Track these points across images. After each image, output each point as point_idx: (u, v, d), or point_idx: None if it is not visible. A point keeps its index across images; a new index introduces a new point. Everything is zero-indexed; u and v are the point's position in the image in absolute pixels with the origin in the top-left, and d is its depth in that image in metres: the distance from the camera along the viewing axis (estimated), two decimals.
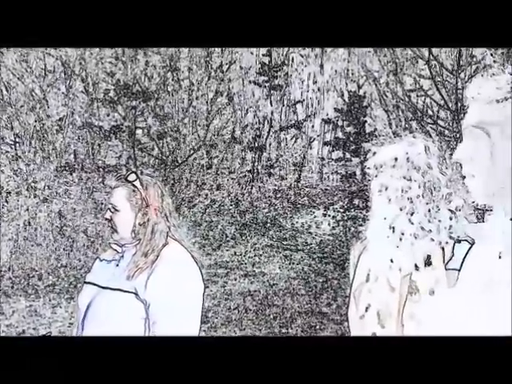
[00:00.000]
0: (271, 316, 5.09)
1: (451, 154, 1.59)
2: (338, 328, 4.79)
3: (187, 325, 1.86)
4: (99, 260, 2.03)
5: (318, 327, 4.87)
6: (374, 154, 1.82)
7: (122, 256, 1.96)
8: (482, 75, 1.44)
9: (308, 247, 7.10)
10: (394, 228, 1.76)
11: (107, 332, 1.83)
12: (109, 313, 1.88)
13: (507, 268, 1.38)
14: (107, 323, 1.86)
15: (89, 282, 1.99)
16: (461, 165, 1.47)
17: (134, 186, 1.96)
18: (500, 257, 1.39)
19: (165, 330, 1.82)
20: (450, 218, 1.75)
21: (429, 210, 1.75)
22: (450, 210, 1.76)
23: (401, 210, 1.76)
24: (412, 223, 1.74)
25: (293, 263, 6.50)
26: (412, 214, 1.75)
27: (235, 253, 6.75)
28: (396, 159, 1.79)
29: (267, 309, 5.21)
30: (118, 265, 1.95)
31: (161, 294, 1.85)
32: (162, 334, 1.83)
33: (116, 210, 1.97)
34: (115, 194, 1.99)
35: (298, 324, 4.94)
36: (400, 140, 1.83)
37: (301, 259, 6.60)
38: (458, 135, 6.11)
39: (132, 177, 1.97)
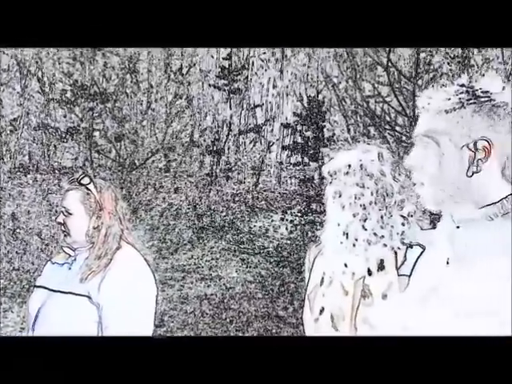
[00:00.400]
0: (227, 320, 5.08)
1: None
2: (294, 331, 4.83)
3: (140, 329, 1.85)
4: (51, 263, 2.00)
5: (274, 331, 4.89)
6: (330, 160, 1.85)
7: (75, 259, 1.94)
8: (433, 86, 1.48)
9: (265, 251, 7.13)
10: (347, 234, 1.79)
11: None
12: (60, 316, 1.86)
13: (454, 274, 1.42)
14: (59, 327, 1.84)
15: (39, 286, 1.96)
16: (411, 172, 1.51)
17: (87, 189, 1.94)
18: (448, 263, 1.43)
19: (117, 334, 1.81)
20: (403, 224, 1.79)
21: (381, 217, 1.79)
22: (402, 216, 1.80)
23: (354, 216, 1.79)
24: (365, 229, 1.78)
25: (250, 267, 6.52)
26: (365, 220, 1.79)
27: (192, 256, 6.72)
28: (349, 166, 1.82)
29: (224, 312, 5.20)
30: (70, 268, 1.93)
31: (114, 297, 1.84)
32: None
33: (69, 214, 1.95)
34: (68, 197, 1.97)
35: (255, 327, 4.95)
36: (354, 147, 1.86)
37: (258, 263, 6.62)
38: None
39: (86, 180, 1.95)
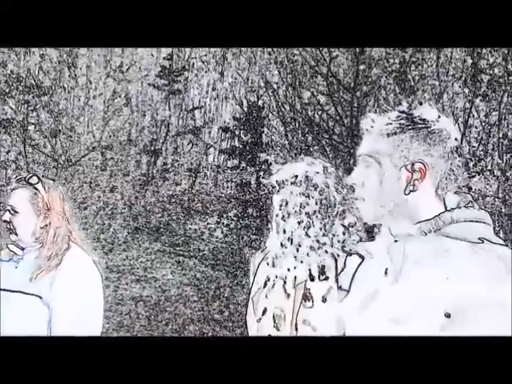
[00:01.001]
0: (163, 322, 5.07)
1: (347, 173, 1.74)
2: (230, 335, 4.87)
3: (90, 328, 1.86)
4: None
5: (210, 334, 4.92)
6: (278, 170, 1.95)
7: (22, 258, 1.92)
8: (376, 111, 1.61)
9: (201, 254, 7.14)
10: (292, 240, 1.89)
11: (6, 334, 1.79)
12: (9, 315, 1.84)
13: (391, 284, 1.52)
14: (8, 325, 1.82)
15: None
16: (354, 188, 1.63)
17: (35, 188, 1.93)
18: (386, 273, 1.53)
19: (67, 333, 1.81)
20: (344, 233, 1.90)
21: (324, 225, 1.89)
22: (343, 225, 1.91)
23: (299, 223, 1.89)
24: (308, 236, 1.88)
25: (185, 269, 6.51)
26: (309, 228, 1.89)
27: (127, 257, 6.65)
28: (296, 177, 1.92)
29: (159, 314, 5.18)
30: (16, 267, 1.91)
31: (64, 297, 1.85)
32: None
33: (16, 212, 1.93)
34: (15, 195, 1.95)
35: (191, 330, 4.96)
36: (301, 160, 1.97)
37: (193, 265, 6.63)
38: (351, 150, 6.43)
39: (34, 179, 1.94)
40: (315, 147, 7.32)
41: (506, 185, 6.10)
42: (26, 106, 7.41)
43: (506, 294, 1.41)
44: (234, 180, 9.15)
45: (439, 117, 1.58)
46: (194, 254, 7.08)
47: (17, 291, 1.85)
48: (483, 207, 1.60)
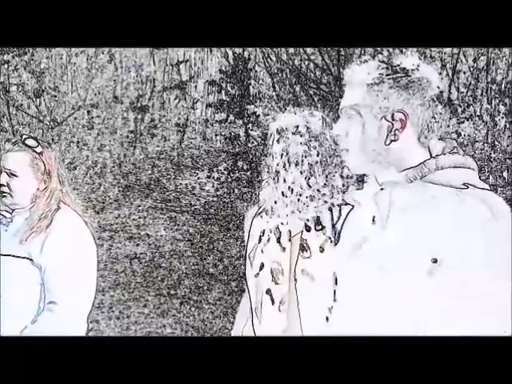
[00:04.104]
0: (159, 278, 5.13)
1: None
2: (225, 288, 4.94)
3: (83, 289, 1.88)
4: None
5: (205, 288, 4.99)
6: (277, 118, 1.96)
7: (11, 221, 1.93)
8: (356, 62, 1.62)
9: (193, 209, 7.18)
10: (292, 190, 1.91)
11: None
12: (1, 278, 1.85)
13: (379, 231, 1.55)
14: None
15: None
16: (338, 139, 1.65)
17: (34, 151, 1.92)
18: (374, 221, 1.56)
19: (61, 295, 1.83)
20: (343, 185, 1.93)
21: (326, 176, 1.92)
22: (341, 176, 1.94)
23: (301, 173, 1.91)
24: (310, 186, 1.91)
25: (178, 225, 6.54)
26: (309, 178, 1.91)
27: (119, 215, 6.67)
28: (297, 127, 1.93)
29: (154, 271, 5.24)
30: (6, 230, 1.92)
31: (56, 258, 1.86)
32: (57, 300, 1.84)
33: (14, 176, 1.92)
34: (12, 158, 1.94)
35: (186, 285, 5.02)
36: (301, 111, 1.98)
37: (186, 221, 6.66)
38: (340, 100, 6.40)
39: (32, 142, 1.92)
40: (303, 98, 7.27)
41: (495, 130, 6.12)
42: (6, 66, 7.28)
43: (489, 238, 1.44)
44: (222, 133, 9.10)
45: (419, 65, 1.58)
46: (186, 209, 7.10)
47: (7, 255, 1.86)
48: (473, 152, 1.63)
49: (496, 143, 6.06)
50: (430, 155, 1.61)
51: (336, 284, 1.62)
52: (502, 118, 6.12)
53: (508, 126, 6.08)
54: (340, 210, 1.86)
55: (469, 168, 1.57)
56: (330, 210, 1.88)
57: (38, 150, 1.91)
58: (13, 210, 1.92)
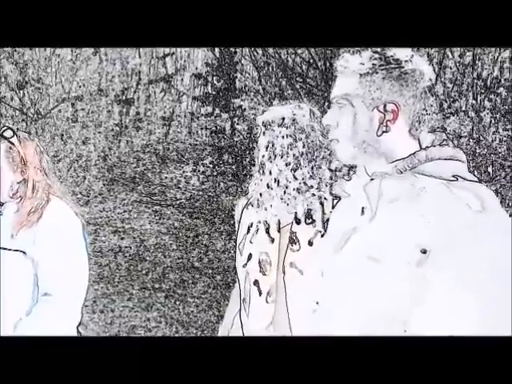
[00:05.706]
0: (143, 271, 5.10)
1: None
2: (210, 282, 4.93)
3: (76, 281, 1.88)
4: None
5: (190, 281, 4.97)
6: (264, 112, 1.95)
7: (1, 213, 1.91)
8: (350, 51, 1.61)
9: (178, 202, 7.15)
10: (278, 181, 1.90)
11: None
12: None
13: (368, 222, 1.54)
14: None
15: None
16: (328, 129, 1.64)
17: (10, 142, 1.89)
18: (363, 212, 1.56)
19: (55, 287, 1.82)
20: (331, 178, 1.92)
21: (312, 168, 1.91)
22: (330, 169, 1.93)
23: (286, 165, 1.90)
24: (296, 178, 1.90)
25: (163, 218, 6.52)
26: (295, 170, 1.90)
27: (103, 209, 6.62)
28: (283, 119, 1.92)
29: (139, 264, 5.21)
30: None
31: (48, 250, 1.86)
32: (51, 291, 1.83)
33: None
34: None
35: (171, 279, 5.00)
36: (288, 104, 1.98)
37: (171, 214, 6.63)
38: (326, 94, 6.39)
39: (8, 133, 1.90)
40: (289, 92, 7.26)
41: (481, 125, 6.15)
42: None
43: (479, 228, 1.44)
44: (208, 127, 9.07)
45: (412, 56, 1.58)
46: (171, 202, 7.07)
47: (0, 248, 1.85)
48: (458, 147, 1.63)
49: (481, 138, 6.10)
50: (420, 147, 1.61)
51: (323, 275, 1.61)
52: (488, 113, 6.16)
53: (493, 121, 6.12)
54: (333, 205, 1.85)
55: (458, 160, 1.57)
56: (322, 204, 1.87)
57: (14, 140, 1.88)
58: (2, 204, 1.91)
